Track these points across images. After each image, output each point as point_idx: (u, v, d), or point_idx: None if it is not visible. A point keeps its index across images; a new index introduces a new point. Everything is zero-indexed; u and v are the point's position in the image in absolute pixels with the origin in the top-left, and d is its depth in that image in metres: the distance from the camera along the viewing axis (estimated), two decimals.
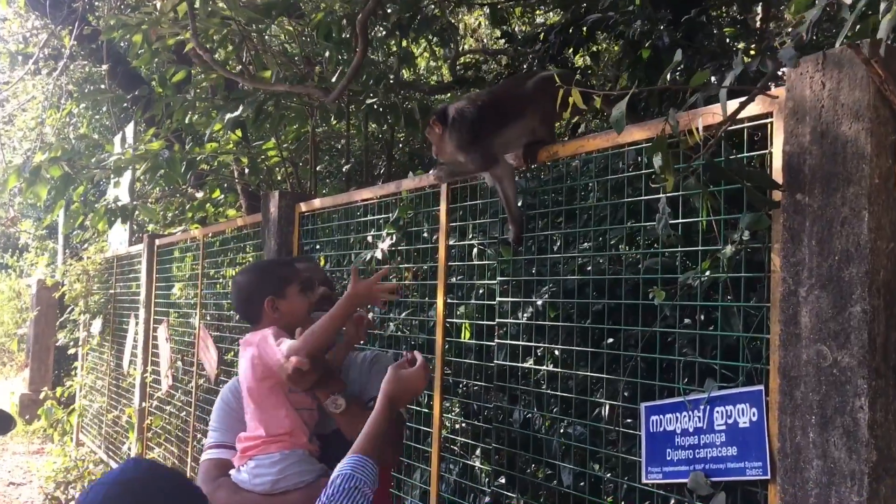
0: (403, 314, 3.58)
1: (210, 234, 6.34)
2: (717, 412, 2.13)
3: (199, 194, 7.22)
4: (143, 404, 7.60)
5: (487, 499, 3.03)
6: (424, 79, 8.43)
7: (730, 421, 2.09)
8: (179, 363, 6.74)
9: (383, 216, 3.80)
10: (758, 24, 5.52)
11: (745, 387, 2.07)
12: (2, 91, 13.26)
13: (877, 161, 1.77)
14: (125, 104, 9.81)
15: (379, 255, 3.71)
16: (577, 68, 6.11)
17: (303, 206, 4.64)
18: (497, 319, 3.00)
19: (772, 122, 2.03)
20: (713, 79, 3.12)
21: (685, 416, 2.22)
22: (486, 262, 3.10)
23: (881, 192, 1.77)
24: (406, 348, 3.59)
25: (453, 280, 3.28)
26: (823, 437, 1.81)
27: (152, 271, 7.73)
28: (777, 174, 1.96)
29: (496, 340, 3.00)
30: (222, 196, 6.87)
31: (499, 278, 3.01)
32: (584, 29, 5.07)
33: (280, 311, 2.47)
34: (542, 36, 5.73)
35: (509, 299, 2.96)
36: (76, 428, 10.49)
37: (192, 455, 6.27)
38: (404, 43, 6.34)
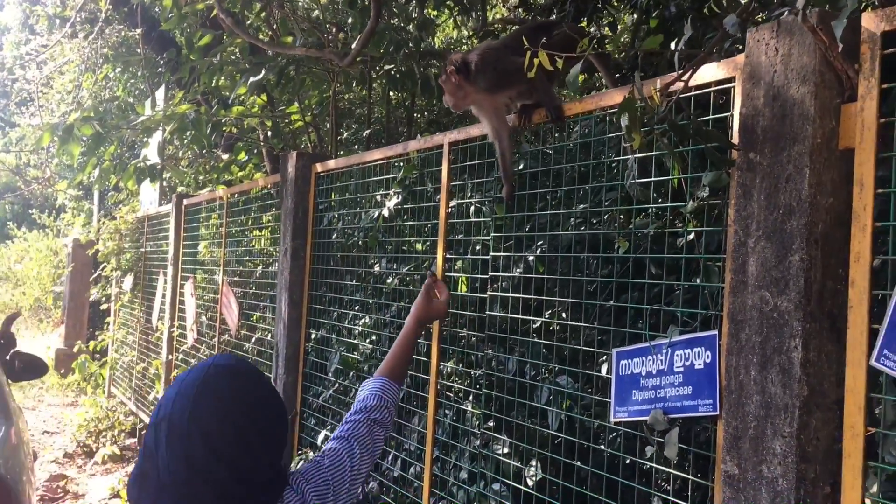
0: (406, 268, 3.78)
1: (233, 194, 6.58)
2: (677, 355, 2.30)
3: (226, 156, 7.45)
4: (170, 357, 7.92)
5: (478, 441, 3.23)
6: (449, 47, 8.55)
7: (687, 363, 2.27)
8: (204, 318, 7.02)
9: (392, 176, 3.99)
10: None
11: (702, 332, 2.24)
12: (40, 54, 13.57)
13: (820, 122, 1.92)
14: (158, 68, 10.07)
15: (386, 212, 3.91)
16: (594, 37, 6.20)
17: (318, 167, 4.84)
18: (490, 273, 3.19)
19: (734, 87, 2.18)
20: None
21: (650, 359, 2.40)
22: (482, 218, 3.28)
23: (822, 151, 1.92)
24: (409, 300, 3.79)
25: (453, 237, 3.47)
26: (763, 374, 1.98)
27: (180, 230, 8.01)
28: (736, 135, 2.12)
29: (489, 293, 3.18)
30: (247, 158, 7.09)
31: (492, 234, 3.19)
32: None
33: None
34: (557, 5, 5.84)
35: (502, 254, 3.14)
36: (108, 381, 10.90)
37: None
38: (424, 10, 6.48)
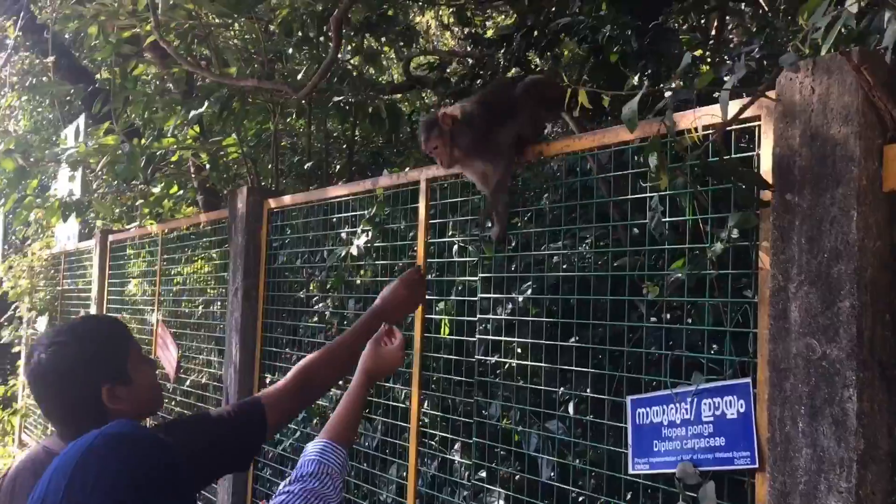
0: None
1: (167, 230, 6.26)
2: (705, 404, 2.20)
3: (156, 189, 7.10)
4: None
5: (466, 492, 3.07)
6: (387, 79, 8.44)
7: (717, 412, 2.17)
8: None
9: (358, 213, 3.81)
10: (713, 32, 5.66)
11: (733, 379, 2.15)
12: None
13: (864, 164, 1.86)
14: (68, 97, 9.62)
15: (354, 251, 3.72)
16: (539, 70, 6.18)
17: (272, 203, 4.61)
18: (479, 315, 3.04)
19: (759, 125, 2.11)
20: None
21: (672, 408, 2.29)
22: (468, 258, 3.14)
23: (868, 193, 1.86)
24: None
25: (432, 276, 3.31)
26: (812, 426, 1.89)
27: (105, 267, 7.58)
28: (765, 175, 2.04)
29: (477, 336, 3.03)
30: (181, 192, 6.77)
31: (480, 275, 3.05)
32: (549, 32, 5.15)
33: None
34: (507, 38, 5.80)
35: (491, 295, 3.00)
36: (18, 429, 10.21)
37: None
38: (369, 42, 6.35)
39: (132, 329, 6.50)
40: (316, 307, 4.13)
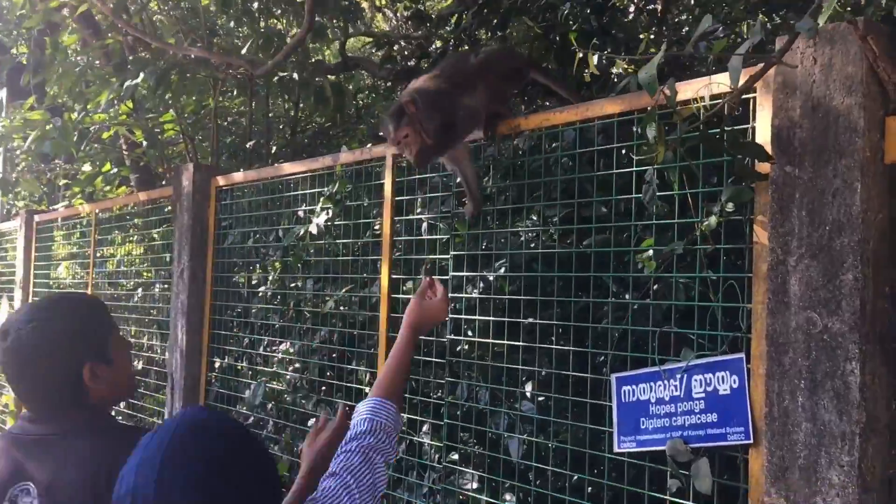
0: (343, 290, 3.48)
1: (101, 210, 5.98)
2: (696, 380, 2.17)
3: (86, 168, 6.79)
4: None
5: (436, 475, 2.99)
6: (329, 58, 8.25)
7: (709, 388, 2.14)
8: None
9: (315, 190, 3.68)
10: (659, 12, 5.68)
11: (726, 355, 2.12)
12: None
13: (868, 135, 1.84)
14: None
15: (314, 229, 3.59)
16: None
17: (220, 180, 4.43)
18: (449, 294, 2.96)
19: (755, 97, 2.08)
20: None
21: (660, 385, 2.26)
22: (438, 236, 3.05)
23: (871, 165, 1.85)
24: (345, 325, 3.50)
25: (400, 255, 3.22)
26: (813, 400, 1.87)
27: (31, 249, 7.22)
28: (767, 147, 2.01)
29: (448, 315, 2.95)
30: (114, 170, 6.48)
31: (452, 252, 2.97)
32: (501, 10, 5.09)
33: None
34: (455, 18, 5.71)
35: (464, 273, 2.93)
36: None
37: None
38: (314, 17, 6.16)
39: None
40: (270, 288, 3.98)
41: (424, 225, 3.12)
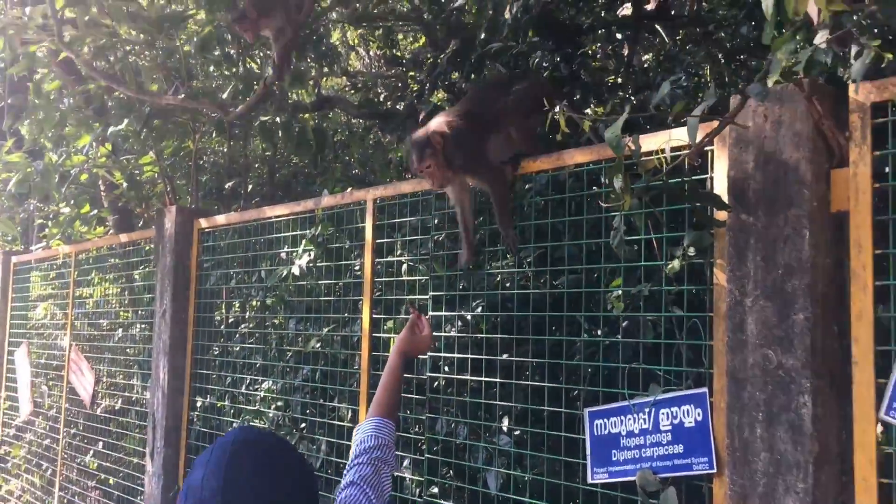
0: (325, 330, 3.59)
1: (79, 252, 6.04)
2: (663, 413, 2.31)
3: (65, 209, 6.85)
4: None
5: None
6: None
7: (675, 421, 2.28)
8: (45, 387, 6.34)
9: (297, 233, 3.80)
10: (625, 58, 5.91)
11: (690, 389, 2.26)
12: None
13: (815, 187, 2.01)
14: None
15: (296, 270, 3.71)
16: (465, 93, 6.30)
17: (203, 223, 4.54)
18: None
19: (713, 150, 2.25)
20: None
21: (630, 418, 2.40)
22: (418, 277, 3.18)
23: (819, 214, 2.01)
24: (326, 363, 3.60)
25: (380, 295, 3.34)
26: (770, 432, 2.02)
27: (7, 290, 7.24)
28: (724, 196, 2.17)
29: (428, 354, 3.07)
30: (94, 211, 6.55)
31: (431, 293, 3.10)
32: (475, 56, 5.27)
33: None
34: (429, 59, 5.89)
35: (442, 313, 3.05)
36: None
37: (59, 484, 5.91)
38: (291, 63, 6.32)
39: (39, 354, 6.25)
40: (253, 328, 4.08)
41: (404, 266, 3.25)
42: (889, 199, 1.95)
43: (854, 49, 1.59)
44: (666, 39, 5.37)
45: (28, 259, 7.02)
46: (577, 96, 4.47)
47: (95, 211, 6.55)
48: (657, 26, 5.46)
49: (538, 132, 2.87)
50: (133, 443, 5.03)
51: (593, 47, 5.77)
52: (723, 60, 4.79)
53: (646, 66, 6.30)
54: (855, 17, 1.57)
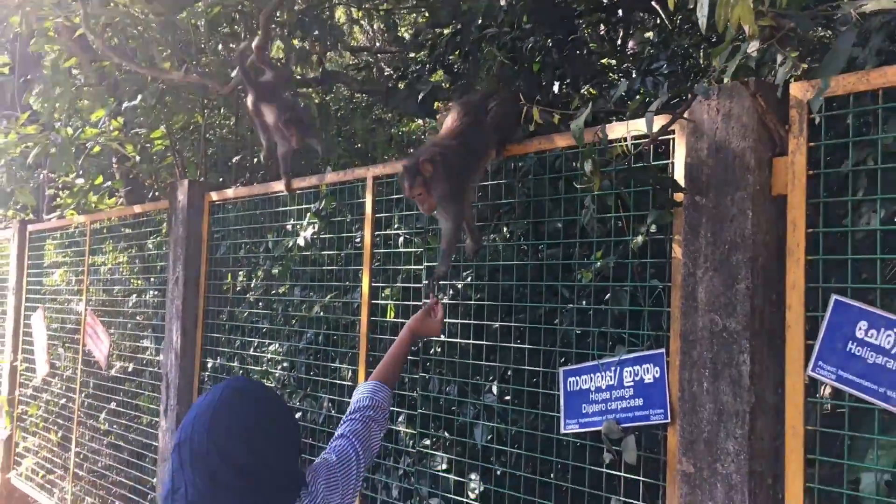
0: (328, 297, 3.90)
1: (95, 221, 6.34)
2: (626, 371, 2.62)
3: (79, 181, 7.14)
4: (15, 392, 7.43)
5: (410, 459, 3.41)
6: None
7: (637, 378, 2.59)
8: (61, 350, 6.68)
9: (304, 206, 4.10)
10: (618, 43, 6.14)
11: (650, 350, 2.57)
12: None
13: (758, 172, 2.30)
14: None
15: (301, 242, 4.00)
16: (462, 74, 6.55)
17: (214, 196, 4.83)
18: (423, 300, 3.38)
19: (674, 139, 2.54)
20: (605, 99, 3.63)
21: (599, 376, 2.70)
22: (413, 248, 3.48)
23: (760, 197, 2.30)
24: (328, 327, 3.91)
25: (379, 265, 3.64)
26: (715, 385, 2.32)
27: (24, 257, 7.55)
28: (679, 180, 2.46)
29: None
30: (108, 183, 6.84)
31: (426, 264, 3.40)
32: (472, 40, 5.52)
33: None
34: (429, 41, 6.13)
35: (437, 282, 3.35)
36: None
37: (75, 440, 6.26)
38: (299, 41, 6.58)
39: (55, 319, 6.57)
40: (260, 295, 4.39)
41: (401, 239, 3.55)
42: (821, 185, 2.23)
43: (779, 57, 1.87)
44: (666, 22, 5.57)
45: (43, 228, 7.33)
46: (569, 80, 4.74)
47: (109, 183, 6.83)
48: (654, 4, 5.68)
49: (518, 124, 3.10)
50: (147, 401, 5.36)
51: (588, 30, 6.02)
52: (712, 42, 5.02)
53: (638, 49, 6.54)
54: (778, 33, 1.84)
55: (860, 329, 2.10)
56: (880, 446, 2.08)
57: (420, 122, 7.27)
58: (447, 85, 5.76)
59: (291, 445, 1.85)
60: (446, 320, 3.29)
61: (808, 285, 2.21)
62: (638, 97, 2.27)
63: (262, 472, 1.74)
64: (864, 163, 2.19)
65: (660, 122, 2.38)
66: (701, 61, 5.15)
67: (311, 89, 7.51)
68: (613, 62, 5.66)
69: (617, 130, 2.58)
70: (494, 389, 3.12)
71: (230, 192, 4.72)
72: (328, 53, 8.03)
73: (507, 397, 3.07)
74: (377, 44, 8.39)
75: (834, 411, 2.29)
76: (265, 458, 1.75)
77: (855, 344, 2.11)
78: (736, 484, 2.25)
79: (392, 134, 7.04)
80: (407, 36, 7.19)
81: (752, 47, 1.88)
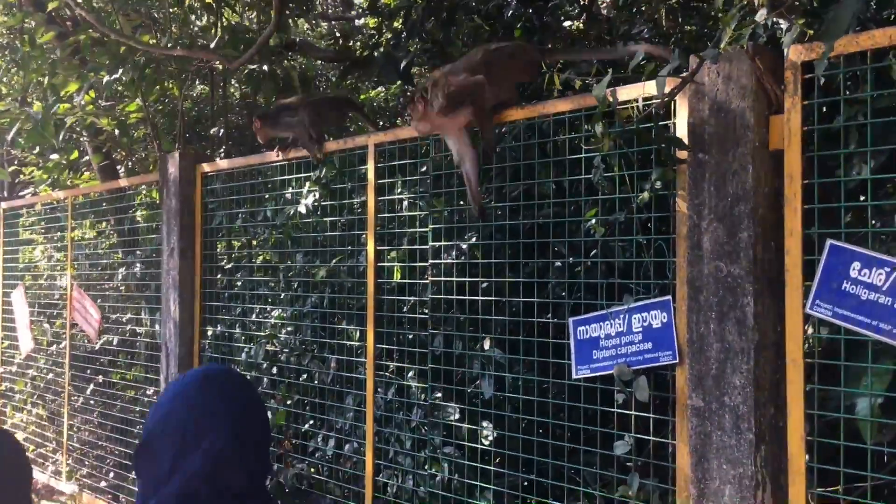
0: (334, 261, 4.04)
1: (77, 196, 6.36)
2: (635, 318, 2.82)
3: (54, 156, 7.11)
4: None
5: (422, 410, 3.59)
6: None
7: (645, 324, 2.79)
8: (46, 326, 6.71)
9: (305, 175, 4.22)
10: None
11: (657, 297, 2.78)
12: None
13: (757, 130, 2.50)
14: None
15: (303, 209, 4.13)
16: (437, 40, 6.66)
17: (206, 167, 4.91)
18: (430, 260, 3.55)
19: (675, 101, 2.72)
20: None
21: (608, 324, 2.91)
22: (418, 212, 3.63)
23: (759, 152, 2.51)
24: (333, 290, 4.05)
25: (382, 230, 3.79)
26: (721, 327, 2.54)
27: None
28: (685, 139, 2.65)
29: (430, 278, 3.55)
30: (85, 158, 6.84)
31: (431, 226, 3.55)
32: (449, 6, 5.63)
33: None
34: (403, 11, 6.21)
35: (442, 242, 3.52)
36: None
37: (67, 414, 6.32)
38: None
39: (38, 295, 6.59)
40: (263, 262, 4.51)
41: (405, 203, 3.70)
42: (815, 140, 2.45)
43: (785, 24, 2.06)
44: None
45: (19, 205, 7.30)
46: (549, 45, 4.90)
47: (86, 157, 6.83)
48: None
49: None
50: (142, 371, 5.46)
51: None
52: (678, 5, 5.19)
53: (606, 13, 6.70)
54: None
55: (854, 269, 2.33)
56: (873, 373, 2.31)
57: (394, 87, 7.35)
58: (423, 57, 5.84)
59: (268, 437, 1.66)
60: (459, 279, 3.46)
61: (804, 231, 2.43)
62: (644, 63, 2.44)
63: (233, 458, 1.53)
64: (854, 119, 2.40)
65: (669, 85, 2.57)
66: (663, 24, 5.34)
67: (289, 62, 7.56)
68: (582, 25, 5.81)
69: (625, 93, 2.76)
70: (498, 341, 3.31)
71: (223, 163, 4.80)
72: (299, 20, 8.06)
73: (518, 347, 3.26)
74: (353, 12, 8.41)
75: (829, 346, 2.52)
76: (244, 448, 1.55)
77: (849, 283, 2.33)
78: (743, 414, 2.48)
79: (363, 102, 7.13)
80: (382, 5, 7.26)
81: (761, 16, 2.06)
